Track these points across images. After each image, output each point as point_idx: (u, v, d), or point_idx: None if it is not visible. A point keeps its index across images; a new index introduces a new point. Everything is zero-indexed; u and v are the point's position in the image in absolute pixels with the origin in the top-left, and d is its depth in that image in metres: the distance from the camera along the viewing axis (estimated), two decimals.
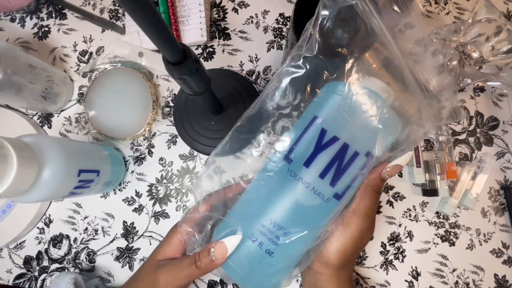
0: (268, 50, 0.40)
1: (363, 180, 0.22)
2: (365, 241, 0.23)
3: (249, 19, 0.41)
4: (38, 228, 0.38)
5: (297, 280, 0.36)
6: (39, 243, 0.38)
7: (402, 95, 0.22)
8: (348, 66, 0.22)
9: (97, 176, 0.32)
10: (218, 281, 0.36)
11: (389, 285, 0.36)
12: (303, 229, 0.20)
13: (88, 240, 0.37)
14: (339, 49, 0.22)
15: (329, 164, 0.20)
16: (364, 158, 0.21)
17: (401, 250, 0.36)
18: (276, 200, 0.21)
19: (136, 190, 0.38)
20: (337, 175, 0.20)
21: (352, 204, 0.22)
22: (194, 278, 0.23)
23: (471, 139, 0.38)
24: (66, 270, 0.37)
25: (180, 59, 0.20)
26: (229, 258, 0.21)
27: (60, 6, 0.42)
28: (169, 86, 0.40)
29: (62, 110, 0.40)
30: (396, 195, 0.37)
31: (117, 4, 0.42)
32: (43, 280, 0.37)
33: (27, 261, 0.37)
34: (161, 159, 0.38)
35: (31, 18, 0.42)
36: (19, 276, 0.37)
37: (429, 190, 0.36)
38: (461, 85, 0.36)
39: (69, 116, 0.40)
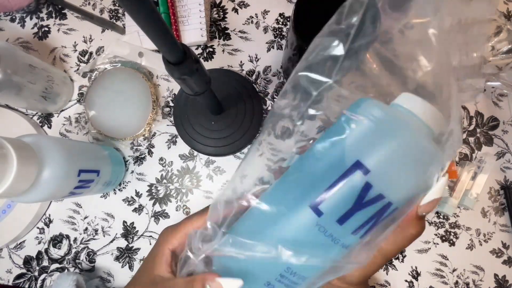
0: (268, 50, 0.40)
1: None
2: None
3: (249, 19, 0.41)
4: (38, 228, 0.38)
5: None
6: (39, 243, 0.38)
7: None
8: (386, 79, 0.18)
9: (97, 176, 0.32)
10: None
11: (389, 285, 0.36)
12: (324, 279, 0.19)
13: (88, 240, 0.37)
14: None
15: (365, 222, 0.17)
16: (402, 211, 0.18)
17: None
18: (298, 249, 0.18)
19: (136, 190, 0.38)
20: (370, 230, 0.18)
21: (383, 243, 0.19)
22: None
23: (471, 139, 0.38)
24: (67, 270, 0.37)
25: (180, 59, 0.20)
26: None
27: (60, 6, 0.42)
28: (169, 86, 0.40)
29: (62, 110, 0.40)
30: None
31: (117, 4, 0.42)
32: (43, 280, 0.37)
33: (27, 261, 0.37)
34: (161, 159, 0.38)
35: (31, 18, 0.42)
36: (19, 276, 0.37)
37: None
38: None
39: (69, 116, 0.40)
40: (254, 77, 0.40)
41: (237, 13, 0.41)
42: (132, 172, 0.38)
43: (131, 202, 0.38)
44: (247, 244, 0.18)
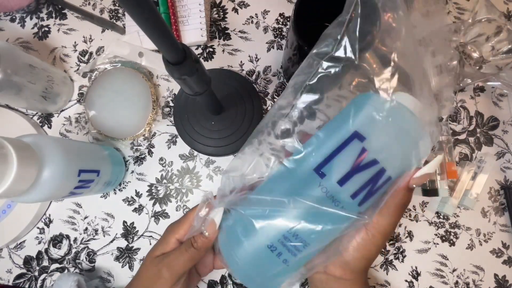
0: (268, 50, 0.40)
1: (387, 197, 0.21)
2: (384, 245, 0.23)
3: (249, 19, 0.41)
4: (38, 228, 0.38)
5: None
6: (39, 243, 0.38)
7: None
8: (384, 76, 0.20)
9: (97, 176, 0.32)
10: (218, 281, 0.36)
11: (389, 285, 0.36)
12: (323, 242, 0.20)
13: (88, 240, 0.37)
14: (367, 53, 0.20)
15: (363, 186, 0.19)
16: (393, 181, 0.20)
17: (401, 250, 0.36)
18: (302, 213, 0.20)
19: (136, 190, 0.38)
20: (367, 197, 0.20)
21: (378, 216, 0.21)
22: (194, 261, 0.24)
23: (471, 139, 0.38)
24: (67, 270, 0.37)
25: (180, 59, 0.20)
26: (240, 261, 0.21)
27: (60, 6, 0.42)
28: (169, 86, 0.40)
29: (62, 110, 0.40)
30: None
31: (117, 4, 0.42)
32: (43, 280, 0.37)
33: (27, 261, 0.37)
34: (161, 159, 0.38)
35: (31, 18, 0.42)
36: (19, 276, 0.37)
37: (429, 190, 0.36)
38: (461, 85, 0.36)
39: (69, 116, 0.40)
40: (254, 77, 0.40)
41: (237, 13, 0.41)
42: (132, 172, 0.38)
43: (131, 202, 0.38)
44: (257, 200, 0.21)
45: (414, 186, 0.20)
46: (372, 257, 0.22)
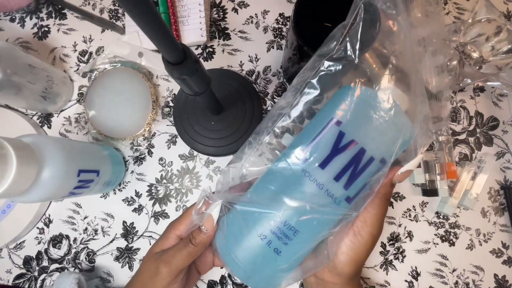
0: (268, 50, 0.40)
1: (374, 186, 0.22)
2: (374, 247, 0.23)
3: (249, 19, 0.41)
4: (38, 228, 0.38)
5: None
6: (39, 243, 0.38)
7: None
8: (368, 70, 0.21)
9: (97, 176, 0.32)
10: (218, 281, 0.36)
11: (389, 285, 0.36)
12: (313, 230, 0.21)
13: (88, 240, 0.37)
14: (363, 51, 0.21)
15: (345, 167, 0.20)
16: (378, 164, 0.21)
17: (401, 250, 0.36)
18: (288, 199, 0.21)
19: (136, 190, 0.38)
20: (351, 178, 0.20)
21: (362, 212, 0.22)
22: (193, 257, 0.24)
23: (471, 139, 0.38)
24: (66, 270, 0.37)
25: (180, 59, 0.20)
26: (236, 257, 0.21)
27: (60, 6, 0.42)
28: (169, 86, 0.40)
29: (62, 110, 0.40)
30: (396, 195, 0.37)
31: (117, 4, 0.42)
32: (43, 280, 0.37)
33: (27, 261, 0.37)
34: (161, 159, 0.38)
35: (31, 18, 0.42)
36: (19, 276, 0.37)
37: (429, 190, 0.36)
38: (461, 85, 0.36)
39: (69, 116, 0.40)
40: (254, 77, 0.40)
41: (237, 13, 0.41)
42: (132, 172, 0.38)
43: (131, 202, 0.38)
44: (249, 195, 0.22)
45: (398, 181, 0.22)
46: (362, 258, 0.22)
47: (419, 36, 0.24)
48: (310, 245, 0.21)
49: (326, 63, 0.21)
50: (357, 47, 0.20)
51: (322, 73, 0.21)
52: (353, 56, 0.20)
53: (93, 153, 0.33)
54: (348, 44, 0.20)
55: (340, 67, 0.21)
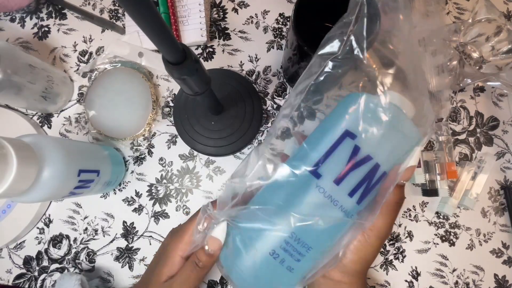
0: (268, 50, 0.40)
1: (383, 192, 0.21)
2: (380, 249, 0.23)
3: (249, 19, 0.41)
4: (38, 228, 0.38)
5: None
6: (39, 243, 0.38)
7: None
8: (376, 76, 0.20)
9: (97, 176, 0.32)
10: (218, 281, 0.36)
11: (389, 285, 0.36)
12: (326, 244, 0.20)
13: (88, 240, 0.37)
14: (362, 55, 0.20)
15: (359, 183, 0.20)
16: (384, 180, 0.21)
17: (401, 250, 0.36)
18: (300, 214, 0.20)
19: (136, 190, 0.38)
20: (364, 194, 0.20)
21: (372, 217, 0.21)
22: (201, 280, 0.24)
23: (471, 139, 0.38)
24: (66, 270, 0.37)
25: (180, 59, 0.20)
26: (244, 273, 0.20)
27: (60, 6, 0.42)
28: (169, 86, 0.40)
29: (62, 110, 0.40)
30: None
31: (117, 4, 0.42)
32: (43, 280, 0.37)
33: (27, 261, 0.37)
34: (161, 159, 0.38)
35: (31, 18, 0.42)
36: (19, 276, 0.37)
37: (429, 190, 0.36)
38: (461, 85, 0.36)
39: (69, 116, 0.40)
40: (254, 77, 0.40)
41: (237, 13, 0.41)
42: (132, 172, 0.38)
43: (131, 202, 0.38)
44: (254, 210, 0.21)
45: (403, 182, 0.21)
46: (370, 258, 0.22)
47: (419, 36, 0.24)
48: (321, 257, 0.21)
49: (331, 64, 0.20)
50: (364, 45, 0.19)
51: (327, 74, 0.21)
52: (361, 56, 0.20)
53: (93, 153, 0.33)
54: (354, 43, 0.20)
55: (347, 67, 0.20)
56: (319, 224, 0.19)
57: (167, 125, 0.39)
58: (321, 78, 0.21)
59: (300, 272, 0.20)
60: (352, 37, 0.20)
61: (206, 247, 0.22)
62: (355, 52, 0.20)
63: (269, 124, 0.38)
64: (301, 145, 0.22)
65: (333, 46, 0.21)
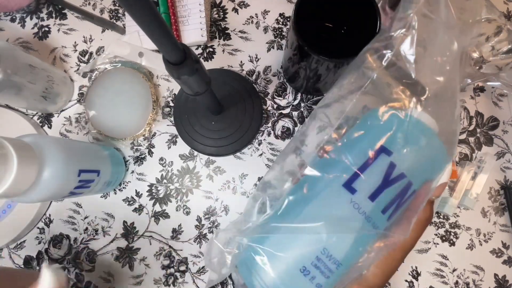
0: (268, 50, 0.40)
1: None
2: (403, 261, 0.23)
3: (249, 19, 0.41)
4: (38, 228, 0.38)
5: None
6: (39, 243, 0.38)
7: None
8: (406, 90, 0.20)
9: (97, 176, 0.32)
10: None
11: (389, 285, 0.36)
12: (354, 259, 0.20)
13: (88, 240, 0.37)
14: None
15: (393, 200, 0.19)
16: (415, 195, 0.21)
17: None
18: (334, 233, 0.19)
19: (136, 190, 0.38)
20: (395, 211, 0.20)
21: (400, 232, 0.21)
22: None
23: (471, 139, 0.38)
24: (67, 270, 0.37)
25: (180, 59, 0.20)
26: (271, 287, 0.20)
27: (60, 6, 0.42)
28: (169, 86, 0.40)
29: (62, 110, 0.40)
30: None
31: (117, 4, 0.42)
32: None
33: (27, 261, 0.37)
34: (161, 159, 0.38)
35: (31, 18, 0.42)
36: None
37: None
38: (461, 85, 0.36)
39: (69, 116, 0.40)
40: (254, 77, 0.40)
41: (237, 13, 0.41)
42: (132, 172, 0.38)
43: (131, 202, 0.38)
44: (286, 227, 0.20)
45: (434, 198, 0.21)
46: (391, 272, 0.22)
47: (420, 37, 0.24)
48: (348, 273, 0.20)
49: (375, 75, 0.21)
50: (412, 60, 0.20)
51: (370, 86, 0.21)
52: (412, 75, 0.20)
53: (94, 153, 0.33)
54: (404, 57, 0.20)
55: (392, 80, 0.21)
56: (351, 240, 0.19)
57: (167, 125, 0.39)
58: (366, 88, 0.21)
59: (327, 287, 0.20)
60: (402, 51, 0.20)
61: None
62: (406, 66, 0.20)
63: (269, 124, 0.38)
64: (328, 158, 0.21)
65: (378, 58, 0.21)
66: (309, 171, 0.22)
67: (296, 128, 0.38)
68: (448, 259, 0.36)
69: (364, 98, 0.22)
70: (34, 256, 0.37)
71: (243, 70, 0.40)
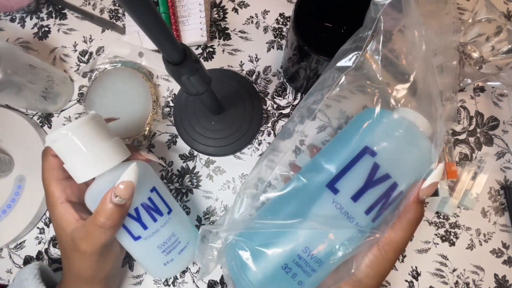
0: (268, 50, 0.40)
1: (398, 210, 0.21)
2: (396, 261, 0.23)
3: (249, 19, 0.41)
4: (38, 228, 0.38)
5: None
6: (39, 243, 0.38)
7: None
8: (395, 91, 0.20)
9: (167, 214, 0.30)
10: (218, 281, 0.36)
11: (389, 285, 0.36)
12: (338, 260, 0.20)
13: None
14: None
15: (376, 201, 0.19)
16: (405, 195, 0.20)
17: None
18: (316, 232, 0.19)
19: None
20: (380, 212, 0.20)
21: (391, 232, 0.21)
22: (113, 233, 0.23)
23: (471, 139, 0.38)
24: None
25: (180, 59, 0.20)
26: (254, 283, 0.20)
27: (60, 6, 0.42)
28: (169, 86, 0.40)
29: (62, 110, 0.40)
30: None
31: (117, 4, 0.42)
32: None
33: (27, 261, 0.37)
34: (161, 159, 0.38)
35: (31, 18, 0.42)
36: None
37: None
38: (461, 85, 0.36)
39: (69, 116, 0.40)
40: (254, 77, 0.40)
41: (237, 13, 0.41)
42: None
43: None
44: (269, 224, 0.20)
45: (425, 197, 0.20)
46: (385, 273, 0.22)
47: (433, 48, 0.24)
48: (331, 270, 0.21)
49: (344, 78, 0.21)
50: (379, 61, 0.20)
51: (340, 88, 0.21)
52: (376, 72, 0.20)
53: (173, 199, 0.31)
54: (370, 58, 0.20)
55: (360, 81, 0.21)
56: (333, 239, 0.19)
57: (167, 125, 0.39)
58: (335, 91, 0.21)
59: (310, 285, 0.20)
60: (368, 52, 0.20)
61: (113, 196, 0.21)
62: (373, 67, 0.20)
63: (269, 124, 0.38)
64: (314, 157, 0.22)
65: (349, 60, 0.21)
66: (296, 170, 0.22)
67: (296, 128, 0.38)
68: (448, 259, 0.36)
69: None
70: (34, 256, 0.37)
71: (243, 70, 0.40)
